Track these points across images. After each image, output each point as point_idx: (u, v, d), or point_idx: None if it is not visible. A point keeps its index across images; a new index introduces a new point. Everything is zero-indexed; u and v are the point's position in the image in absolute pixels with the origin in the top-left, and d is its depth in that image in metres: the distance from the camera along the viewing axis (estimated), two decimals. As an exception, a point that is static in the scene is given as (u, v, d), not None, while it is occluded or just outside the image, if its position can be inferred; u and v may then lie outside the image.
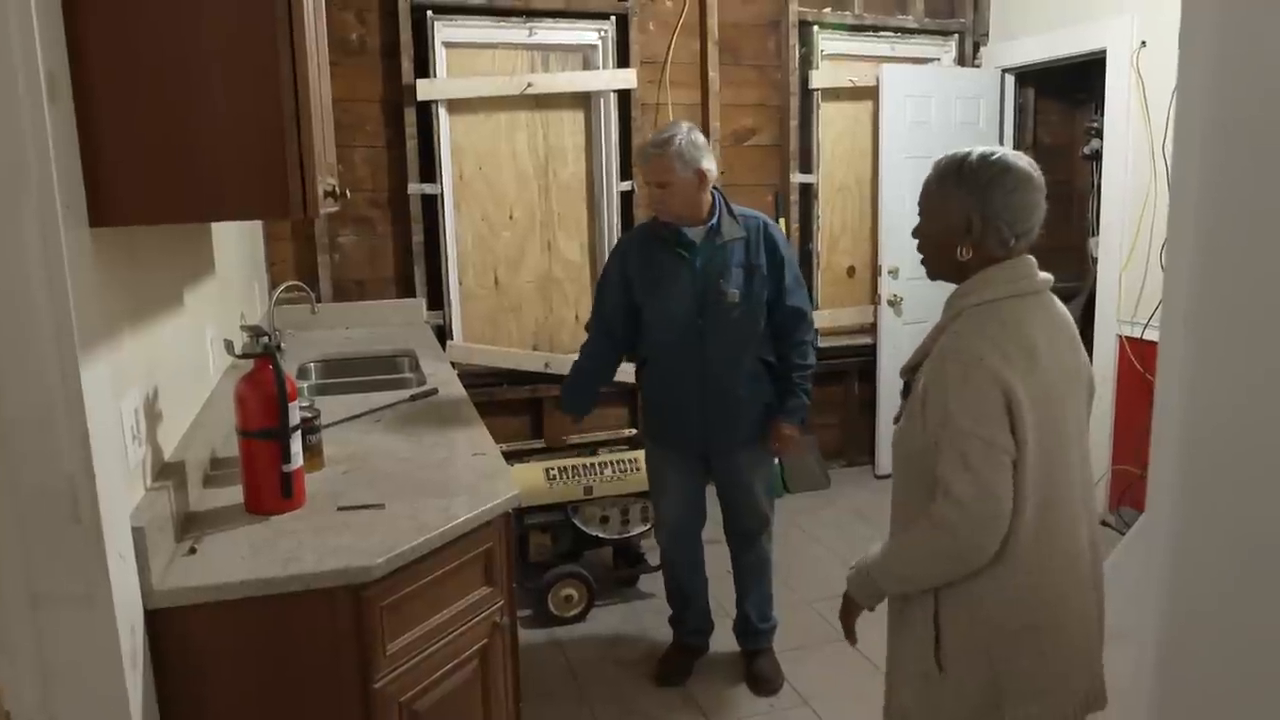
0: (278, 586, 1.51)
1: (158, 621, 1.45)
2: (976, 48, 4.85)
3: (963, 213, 1.55)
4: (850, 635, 1.77)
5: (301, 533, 1.67)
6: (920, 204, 1.65)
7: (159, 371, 1.75)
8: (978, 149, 1.59)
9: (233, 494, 1.83)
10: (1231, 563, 0.60)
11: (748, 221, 2.72)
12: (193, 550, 1.59)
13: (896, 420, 1.68)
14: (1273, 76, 0.54)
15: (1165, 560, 0.65)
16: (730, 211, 2.71)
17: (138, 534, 1.41)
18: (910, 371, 1.65)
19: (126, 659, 1.33)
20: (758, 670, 2.93)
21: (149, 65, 1.34)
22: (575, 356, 3.00)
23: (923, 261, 1.68)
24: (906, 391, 1.65)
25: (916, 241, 1.68)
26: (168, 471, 1.68)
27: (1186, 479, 0.62)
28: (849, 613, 1.74)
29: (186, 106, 1.37)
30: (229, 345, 1.83)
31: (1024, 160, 1.58)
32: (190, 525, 1.70)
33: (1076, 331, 1.66)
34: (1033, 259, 1.61)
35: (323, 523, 1.72)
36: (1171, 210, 0.60)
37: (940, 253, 1.62)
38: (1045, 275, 1.61)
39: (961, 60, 4.88)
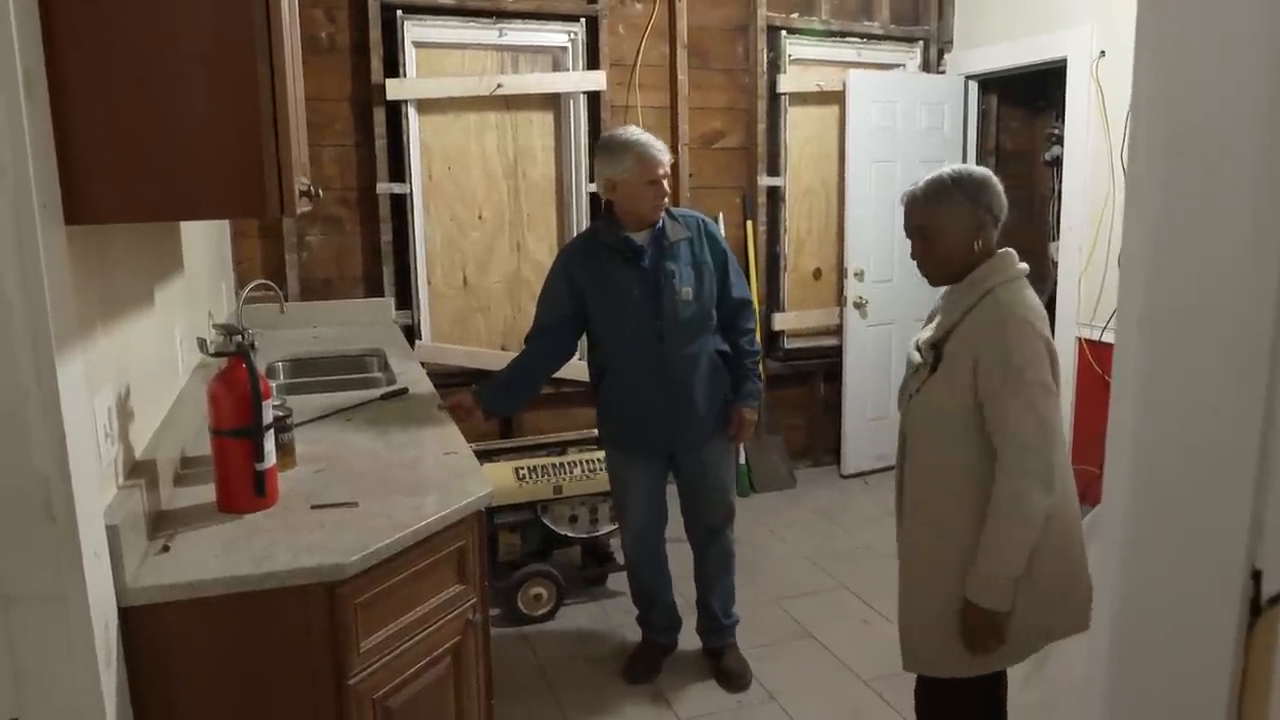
0: (252, 584, 1.51)
1: (131, 620, 1.45)
2: (941, 54, 4.93)
3: (972, 216, 1.89)
4: (995, 641, 1.86)
5: (275, 531, 1.67)
6: (919, 227, 1.92)
7: (131, 370, 1.74)
8: (945, 169, 1.92)
9: (204, 493, 1.83)
10: (1179, 560, 0.63)
11: (687, 221, 2.79)
12: (166, 548, 1.58)
13: (904, 388, 1.98)
14: (1228, 83, 0.56)
15: (1117, 562, 0.68)
16: (670, 214, 2.76)
17: (112, 532, 1.40)
18: (938, 344, 1.91)
19: (101, 657, 1.32)
20: (726, 667, 2.95)
21: (126, 62, 1.34)
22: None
23: (928, 271, 1.95)
24: (937, 361, 1.90)
25: (916, 262, 1.96)
26: (140, 470, 1.67)
27: (1139, 478, 0.65)
28: (989, 627, 1.84)
29: (163, 104, 1.37)
30: (202, 343, 1.83)
31: (980, 169, 1.96)
32: (162, 524, 1.70)
33: None
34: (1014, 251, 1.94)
35: (296, 521, 1.72)
36: (1127, 212, 0.63)
37: (953, 258, 1.91)
38: (1024, 265, 1.94)
39: (926, 67, 4.96)
